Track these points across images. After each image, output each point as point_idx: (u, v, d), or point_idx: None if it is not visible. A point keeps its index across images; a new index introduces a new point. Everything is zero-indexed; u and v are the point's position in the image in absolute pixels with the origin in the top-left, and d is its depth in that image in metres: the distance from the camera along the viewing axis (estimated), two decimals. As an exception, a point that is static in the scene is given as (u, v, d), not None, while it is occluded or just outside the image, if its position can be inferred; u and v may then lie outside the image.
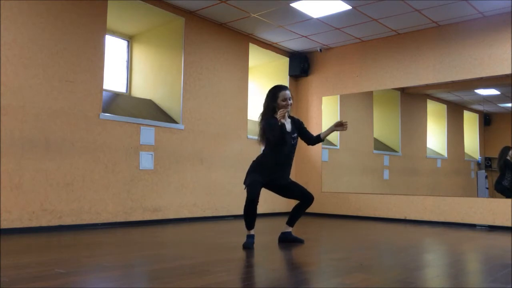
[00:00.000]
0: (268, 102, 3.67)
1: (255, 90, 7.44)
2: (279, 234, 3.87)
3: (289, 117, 3.77)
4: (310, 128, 7.30)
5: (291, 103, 3.64)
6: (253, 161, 3.73)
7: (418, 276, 2.68)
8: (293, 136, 3.68)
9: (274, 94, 3.66)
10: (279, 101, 3.62)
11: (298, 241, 3.81)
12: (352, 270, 2.77)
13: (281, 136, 3.55)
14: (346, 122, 3.71)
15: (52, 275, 2.44)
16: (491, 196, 5.86)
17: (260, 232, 4.16)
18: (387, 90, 6.71)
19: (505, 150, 5.91)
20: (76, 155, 4.62)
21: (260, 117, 3.71)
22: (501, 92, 6.14)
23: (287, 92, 3.66)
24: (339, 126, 3.72)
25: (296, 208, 3.81)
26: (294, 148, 3.71)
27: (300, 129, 3.79)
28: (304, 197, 3.75)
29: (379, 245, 4.04)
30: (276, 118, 3.49)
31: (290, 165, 3.75)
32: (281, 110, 3.51)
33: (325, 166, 7.09)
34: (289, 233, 3.83)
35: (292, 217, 3.82)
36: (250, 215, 3.57)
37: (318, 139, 3.81)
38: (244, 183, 3.64)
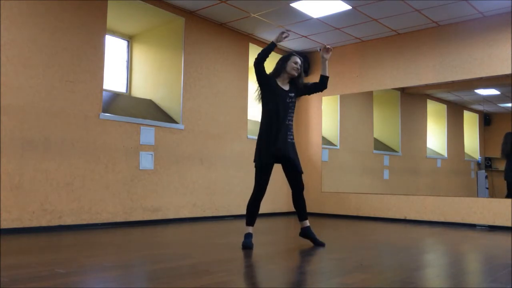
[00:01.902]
0: (277, 66, 3.72)
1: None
2: (279, 233, 3.86)
3: (291, 82, 3.74)
4: (310, 128, 7.33)
5: (299, 69, 3.67)
6: (259, 132, 3.67)
7: (418, 276, 2.68)
8: (289, 94, 3.65)
9: (285, 58, 3.72)
10: (290, 62, 3.66)
11: (316, 243, 3.70)
12: (352, 270, 2.77)
13: (266, 53, 3.62)
14: (324, 44, 3.82)
15: (52, 275, 2.44)
16: (491, 196, 5.86)
17: (260, 232, 4.16)
18: (387, 90, 6.71)
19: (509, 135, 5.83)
20: (76, 155, 4.62)
21: None
22: (501, 92, 6.14)
23: (299, 60, 3.71)
24: (325, 52, 3.79)
25: (294, 204, 3.79)
26: (291, 108, 3.65)
27: (303, 87, 3.76)
28: (293, 187, 3.73)
29: (379, 245, 4.04)
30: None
31: (288, 126, 3.62)
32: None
33: (325, 166, 7.09)
34: (307, 228, 3.75)
35: (298, 211, 3.78)
36: (254, 207, 3.58)
37: (323, 79, 3.83)
38: (256, 165, 3.61)
